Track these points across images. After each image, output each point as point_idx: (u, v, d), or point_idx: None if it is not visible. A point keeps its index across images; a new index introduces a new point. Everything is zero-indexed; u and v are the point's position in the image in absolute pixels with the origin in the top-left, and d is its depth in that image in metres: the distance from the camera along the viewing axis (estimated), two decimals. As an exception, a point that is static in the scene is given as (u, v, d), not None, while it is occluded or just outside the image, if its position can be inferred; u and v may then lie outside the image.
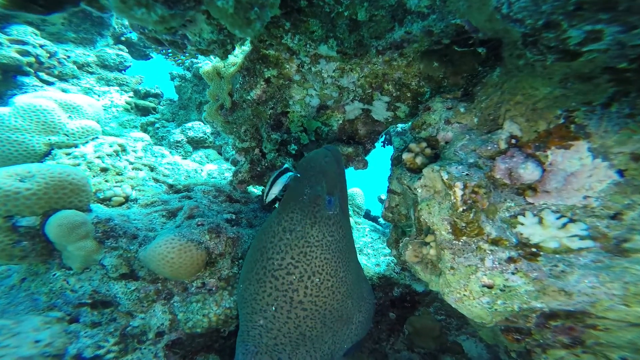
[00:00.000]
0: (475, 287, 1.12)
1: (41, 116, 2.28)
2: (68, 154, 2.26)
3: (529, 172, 1.01)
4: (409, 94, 2.14)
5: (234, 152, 2.78)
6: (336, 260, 1.51)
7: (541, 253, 1.00)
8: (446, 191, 1.20)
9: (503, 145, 1.14)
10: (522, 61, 1.10)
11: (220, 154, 4.03)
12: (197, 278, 1.91)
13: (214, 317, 1.90)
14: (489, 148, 1.17)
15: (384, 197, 4.07)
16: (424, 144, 1.48)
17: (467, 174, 1.14)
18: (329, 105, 2.53)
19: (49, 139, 2.29)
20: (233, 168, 3.51)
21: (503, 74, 1.26)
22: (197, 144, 3.93)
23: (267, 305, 1.50)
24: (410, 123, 1.86)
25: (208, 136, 3.99)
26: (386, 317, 2.72)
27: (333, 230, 1.51)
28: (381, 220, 4.60)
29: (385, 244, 3.17)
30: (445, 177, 1.18)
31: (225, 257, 1.99)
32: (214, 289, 1.96)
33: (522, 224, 1.03)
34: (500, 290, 1.06)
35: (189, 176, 2.95)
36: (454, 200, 1.14)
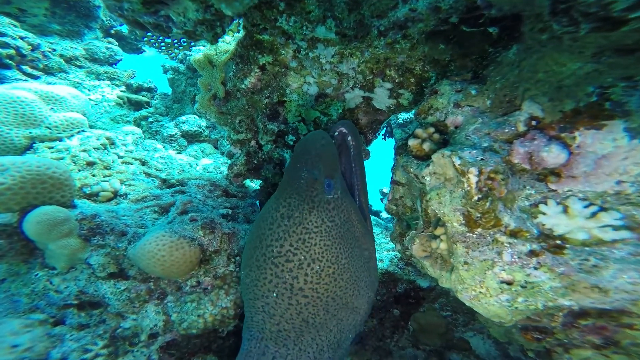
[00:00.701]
0: (493, 283, 1.02)
1: (19, 108, 2.14)
2: (51, 148, 2.13)
3: (553, 156, 0.91)
4: (412, 80, 2.02)
5: (229, 144, 2.66)
6: (337, 247, 1.46)
7: (567, 245, 0.90)
8: (458, 178, 1.09)
9: (522, 128, 1.03)
10: (546, 35, 0.99)
11: (216, 147, 3.91)
12: (192, 277, 1.81)
13: (209, 317, 1.81)
14: (506, 131, 1.06)
15: (386, 190, 3.97)
16: (431, 129, 1.37)
17: (481, 159, 1.03)
18: (327, 93, 2.41)
19: (30, 132, 2.16)
20: (229, 161, 3.40)
21: (521, 51, 1.15)
22: (192, 137, 3.80)
23: (268, 291, 1.49)
24: (415, 109, 1.74)
25: (203, 130, 3.86)
26: (390, 314, 2.64)
27: (333, 215, 1.46)
28: (383, 214, 4.50)
29: (388, 238, 3.08)
30: (457, 162, 1.07)
31: (220, 254, 1.89)
32: (209, 287, 1.86)
33: (544, 214, 0.93)
34: (522, 286, 0.96)
35: (183, 170, 2.83)
36: (468, 188, 1.04)
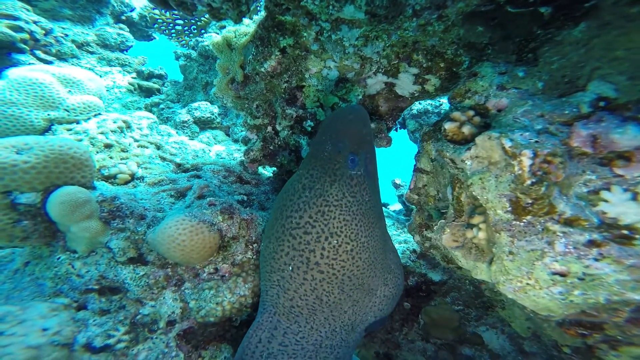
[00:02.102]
0: (543, 275, 0.95)
1: (38, 90, 2.11)
2: (69, 130, 2.11)
3: (628, 138, 0.83)
4: (442, 65, 1.93)
5: (244, 130, 2.60)
6: (357, 224, 1.43)
7: (637, 236, 0.83)
8: (508, 162, 1.02)
9: (586, 109, 0.94)
10: (637, 8, 0.90)
11: (227, 135, 3.85)
12: (210, 263, 1.77)
13: (227, 305, 1.76)
14: (565, 112, 0.97)
15: (398, 180, 3.89)
16: (471, 112, 1.29)
17: (536, 141, 0.95)
18: (348, 78, 2.33)
19: (48, 114, 2.13)
20: (242, 149, 3.34)
21: (593, 28, 1.06)
22: (204, 124, 3.75)
23: (284, 264, 1.48)
24: (450, 93, 1.66)
25: (215, 116, 3.80)
26: (400, 307, 2.59)
27: (355, 191, 1.44)
28: (390, 207, 4.41)
29: (399, 230, 3.01)
30: (508, 144, 0.99)
31: (238, 241, 1.84)
32: (227, 275, 1.81)
33: (606, 201, 0.85)
34: (579, 279, 0.89)
35: (197, 156, 2.78)
36: (520, 172, 0.96)
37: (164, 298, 1.72)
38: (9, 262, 1.86)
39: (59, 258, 1.60)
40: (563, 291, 0.92)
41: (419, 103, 4.43)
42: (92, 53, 5.04)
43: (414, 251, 2.60)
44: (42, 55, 4.23)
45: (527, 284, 0.99)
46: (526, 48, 1.34)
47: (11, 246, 1.65)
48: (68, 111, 2.17)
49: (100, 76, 4.67)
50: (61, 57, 4.48)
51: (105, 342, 1.51)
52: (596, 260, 0.86)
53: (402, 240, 2.77)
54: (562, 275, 0.91)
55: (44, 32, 4.32)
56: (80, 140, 2.03)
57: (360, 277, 1.50)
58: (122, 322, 1.58)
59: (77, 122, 2.16)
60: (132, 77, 4.93)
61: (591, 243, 0.88)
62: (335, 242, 1.41)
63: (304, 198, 1.44)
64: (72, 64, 4.59)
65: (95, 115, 2.30)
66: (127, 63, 5.26)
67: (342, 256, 1.43)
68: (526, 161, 0.95)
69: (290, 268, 1.47)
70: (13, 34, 3.84)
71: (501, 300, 1.66)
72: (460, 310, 2.39)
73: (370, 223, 1.48)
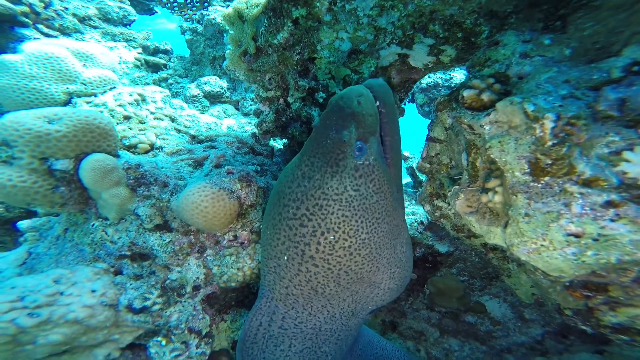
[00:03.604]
0: (558, 236, 0.99)
1: (55, 64, 2.14)
2: (88, 102, 2.15)
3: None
4: (459, 35, 1.90)
5: (256, 103, 2.61)
6: (358, 220, 1.33)
7: (656, 196, 0.86)
8: (529, 125, 1.04)
9: (617, 74, 0.95)
10: None
11: (237, 109, 3.86)
12: (229, 230, 1.85)
13: (248, 270, 1.86)
14: (594, 77, 0.98)
15: (406, 153, 3.90)
16: (491, 80, 1.30)
17: (560, 105, 0.97)
18: (361, 49, 2.30)
19: (67, 88, 2.18)
20: (253, 122, 3.36)
21: None
22: (213, 98, 3.75)
23: (280, 253, 1.45)
24: (469, 61, 1.65)
25: (224, 91, 3.79)
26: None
27: (359, 183, 1.31)
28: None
29: (406, 202, 3.05)
30: (530, 109, 1.01)
31: (256, 209, 1.90)
32: (246, 242, 1.89)
33: (628, 161, 0.88)
34: (593, 239, 0.93)
35: (210, 128, 2.81)
36: (541, 134, 0.99)
37: (188, 264, 1.81)
38: (48, 229, 1.97)
39: (93, 225, 1.69)
40: (576, 252, 0.96)
41: (429, 76, 4.36)
42: (95, 27, 4.95)
43: (422, 223, 2.66)
44: (46, 30, 4.17)
45: (542, 245, 1.03)
46: (554, 15, 1.32)
47: (51, 212, 1.74)
48: (85, 85, 2.21)
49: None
50: (64, 31, 4.41)
51: (143, 304, 1.62)
52: (612, 221, 0.90)
53: (410, 212, 2.83)
54: (577, 236, 0.95)
55: (43, 4, 4.22)
56: (101, 112, 2.07)
57: (359, 272, 1.44)
58: (154, 287, 1.68)
59: (95, 95, 2.20)
60: (138, 53, 4.86)
61: (608, 204, 0.91)
62: (332, 237, 1.33)
63: (302, 188, 1.34)
64: (77, 39, 4.53)
65: (110, 89, 2.33)
66: (131, 38, 5.17)
67: (339, 252, 1.36)
68: (548, 124, 0.97)
69: (286, 258, 1.43)
70: (12, 6, 3.76)
71: (508, 268, 1.72)
72: (465, 281, 2.48)
73: (375, 219, 1.36)
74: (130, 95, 2.21)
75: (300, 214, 1.35)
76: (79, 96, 2.16)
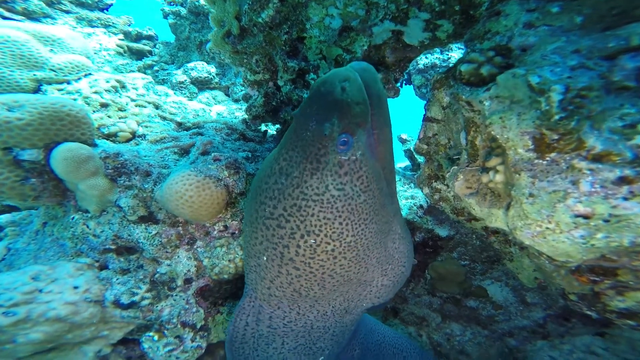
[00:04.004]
0: (565, 217, 0.92)
1: (15, 48, 1.98)
2: (61, 90, 2.01)
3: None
4: (457, 7, 1.79)
5: (245, 87, 2.49)
6: (342, 222, 1.19)
7: (676, 170, 0.79)
8: (533, 99, 0.96)
9: (637, 41, 0.85)
10: None
11: (227, 95, 3.72)
12: (219, 220, 1.77)
13: (240, 262, 1.79)
14: (609, 46, 0.88)
15: (405, 135, 3.82)
16: (491, 53, 1.20)
17: (569, 77, 0.89)
18: (353, 26, 2.18)
19: (34, 75, 2.03)
20: (244, 107, 3.25)
21: None
22: (202, 84, 3.60)
23: (259, 252, 1.34)
24: (467, 35, 1.55)
25: (213, 76, 3.65)
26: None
27: (344, 181, 1.15)
28: (397, 164, 4.38)
29: (406, 186, 2.99)
30: (535, 81, 0.92)
31: (246, 197, 1.82)
32: (236, 232, 1.82)
33: (643, 133, 0.80)
34: (604, 220, 0.86)
35: (198, 115, 2.70)
36: (547, 108, 0.91)
37: (178, 257, 1.74)
38: (28, 224, 1.89)
39: (73, 218, 1.61)
40: (585, 234, 0.89)
41: (426, 57, 4.23)
42: (67, 12, 4.67)
43: (421, 207, 2.60)
44: (7, 14, 3.90)
45: (547, 228, 0.96)
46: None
47: (26, 206, 1.65)
48: (55, 71, 2.06)
49: (84, 38, 4.39)
50: (30, 16, 4.12)
51: (131, 299, 1.56)
52: (625, 199, 0.83)
53: (409, 196, 2.77)
54: (586, 217, 0.88)
55: (-1, -16, 3.93)
56: (74, 99, 1.94)
57: (346, 275, 1.33)
58: (142, 281, 1.62)
59: (68, 83, 2.06)
60: (120, 39, 4.65)
61: (621, 180, 0.84)
62: (313, 241, 1.20)
63: (279, 185, 1.20)
64: (48, 25, 4.29)
65: (85, 76, 2.19)
66: (110, 23, 4.91)
67: (321, 256, 1.24)
68: (555, 96, 0.88)
69: (265, 258, 1.33)
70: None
71: (510, 252, 1.67)
72: (466, 265, 2.45)
73: (362, 219, 1.23)
74: (107, 82, 2.08)
75: (277, 214, 1.22)
76: (50, 83, 2.02)
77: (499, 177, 1.15)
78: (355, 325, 1.67)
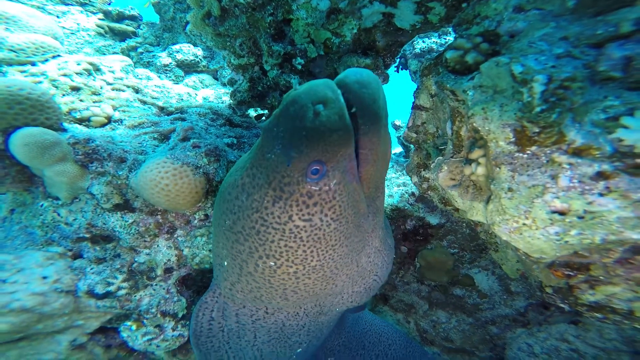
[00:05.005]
0: (541, 213, 0.89)
1: None
2: (23, 72, 1.89)
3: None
4: (448, -11, 1.71)
5: (230, 70, 2.40)
6: (306, 250, 1.08)
7: (654, 166, 0.76)
8: (516, 89, 0.91)
9: (627, 27, 0.80)
10: None
11: (216, 79, 3.60)
12: (199, 209, 1.73)
13: (220, 251, 1.76)
14: (598, 33, 0.84)
15: (398, 122, 3.76)
16: (478, 39, 1.15)
17: (553, 66, 0.84)
18: (341, 8, 2.09)
19: (-10, 55, 1.89)
20: (230, 89, 3.15)
21: None
22: (188, 67, 3.48)
23: (221, 255, 1.28)
24: (456, 19, 1.48)
25: (200, 59, 3.52)
26: (397, 251, 2.65)
27: (312, 212, 1.01)
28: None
29: (398, 173, 2.97)
30: (517, 70, 0.88)
31: (226, 187, 1.78)
32: (218, 221, 1.78)
33: (626, 127, 0.76)
34: (579, 217, 0.83)
35: (182, 99, 2.60)
36: (529, 99, 0.87)
37: (157, 246, 1.71)
38: None
39: (42, 205, 1.55)
40: (559, 231, 0.87)
41: (423, 41, 4.12)
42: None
43: (413, 194, 2.58)
44: None
45: (524, 224, 0.93)
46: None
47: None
48: (15, 51, 1.92)
49: (58, 17, 4.16)
50: None
51: (106, 289, 1.53)
52: (601, 195, 0.80)
53: (401, 183, 2.74)
54: (562, 213, 0.86)
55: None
56: (39, 82, 1.83)
57: (311, 291, 1.24)
58: (119, 270, 1.58)
59: (32, 64, 1.94)
60: (99, 19, 4.43)
61: (599, 175, 0.81)
62: (272, 264, 1.12)
63: (240, 202, 1.08)
64: (14, 1, 4.05)
65: (53, 57, 2.07)
66: (87, 2, 4.66)
67: (282, 276, 1.16)
68: (537, 87, 0.84)
69: (226, 263, 1.27)
70: None
71: (495, 242, 1.67)
72: (455, 254, 2.46)
73: (330, 245, 1.10)
74: (79, 64, 1.96)
75: (236, 230, 1.12)
76: (10, 64, 1.89)
77: (480, 170, 1.12)
78: (334, 321, 1.64)
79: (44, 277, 1.35)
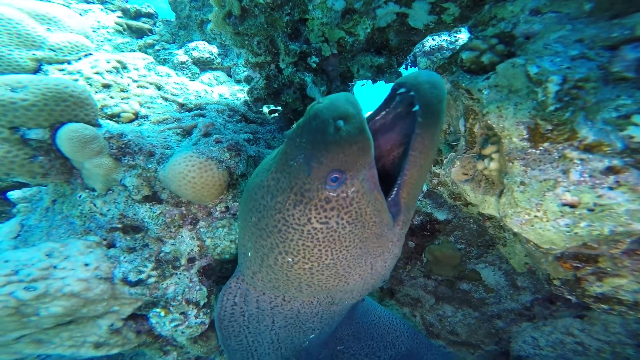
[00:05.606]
0: (552, 206, 0.95)
1: (10, 27, 1.93)
2: (62, 70, 2.00)
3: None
4: (464, -11, 1.76)
5: (247, 68, 2.48)
6: (321, 249, 1.18)
7: (662, 162, 0.81)
8: (531, 89, 0.97)
9: None
10: None
11: (229, 75, 3.69)
12: (220, 201, 1.81)
13: (240, 242, 1.84)
14: (614, 35, 0.89)
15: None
16: (494, 40, 1.20)
17: (568, 67, 0.90)
18: (356, 8, 2.14)
19: (34, 54, 2.01)
20: (245, 89, 3.23)
21: None
22: (203, 65, 3.57)
23: (246, 246, 1.40)
24: (472, 20, 1.53)
25: (215, 57, 3.60)
26: (405, 246, 2.70)
27: (330, 216, 1.10)
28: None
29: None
30: (533, 71, 0.93)
31: (247, 179, 1.86)
32: (237, 213, 1.87)
33: (637, 125, 0.82)
34: (589, 210, 0.89)
35: (200, 96, 2.70)
36: (543, 98, 0.92)
37: (182, 236, 1.79)
38: (38, 200, 1.93)
39: (80, 196, 1.65)
40: (570, 223, 0.92)
41: (432, 39, 4.14)
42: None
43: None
44: None
45: (535, 216, 0.99)
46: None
47: (36, 183, 1.69)
48: (54, 51, 2.03)
49: (81, 15, 4.30)
50: None
51: (138, 277, 1.62)
52: (611, 188, 0.85)
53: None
54: (572, 206, 0.92)
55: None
56: (76, 80, 1.94)
57: (324, 286, 1.35)
58: (148, 259, 1.67)
59: (68, 63, 2.05)
60: (118, 17, 4.55)
61: (609, 170, 0.87)
62: (290, 260, 1.23)
63: (264, 202, 1.19)
64: (41, 0, 4.18)
65: (85, 56, 2.18)
66: (107, 0, 4.79)
67: (298, 271, 1.27)
68: (552, 87, 0.90)
69: (249, 254, 1.39)
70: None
71: (503, 237, 1.72)
72: (462, 249, 2.50)
73: (345, 246, 1.18)
74: (108, 62, 2.07)
75: (260, 227, 1.24)
76: (50, 63, 2.01)
77: (493, 165, 1.18)
78: (345, 311, 1.72)
79: (86, 264, 1.45)
